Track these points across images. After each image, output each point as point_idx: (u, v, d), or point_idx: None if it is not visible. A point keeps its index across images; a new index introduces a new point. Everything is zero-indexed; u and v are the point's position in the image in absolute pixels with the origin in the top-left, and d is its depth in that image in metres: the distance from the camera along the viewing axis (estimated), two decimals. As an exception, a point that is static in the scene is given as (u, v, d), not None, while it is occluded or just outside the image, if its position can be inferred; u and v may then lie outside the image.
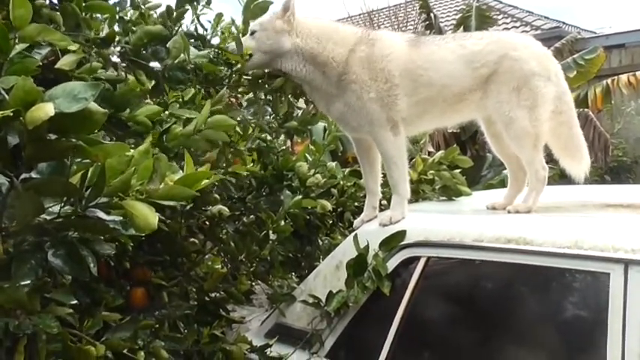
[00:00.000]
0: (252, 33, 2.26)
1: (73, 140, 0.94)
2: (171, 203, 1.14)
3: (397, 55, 2.25)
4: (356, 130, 2.34)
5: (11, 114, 0.89)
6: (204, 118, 1.59)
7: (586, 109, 7.04)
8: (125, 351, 1.44)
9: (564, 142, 2.38)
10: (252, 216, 2.61)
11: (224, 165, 2.28)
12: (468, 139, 6.36)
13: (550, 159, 2.37)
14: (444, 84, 2.24)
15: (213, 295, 2.41)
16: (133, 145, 1.44)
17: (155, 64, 1.90)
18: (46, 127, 0.89)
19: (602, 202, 2.21)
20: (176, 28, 2.26)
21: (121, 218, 1.10)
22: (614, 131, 8.56)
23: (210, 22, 2.83)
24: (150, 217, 1.05)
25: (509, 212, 2.13)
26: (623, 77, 7.42)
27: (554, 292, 1.75)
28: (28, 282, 1.05)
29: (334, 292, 2.10)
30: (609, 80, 7.44)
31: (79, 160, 1.06)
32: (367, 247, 2.07)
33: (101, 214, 1.07)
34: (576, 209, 2.14)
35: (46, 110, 0.87)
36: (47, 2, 1.88)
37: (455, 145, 3.16)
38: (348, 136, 2.50)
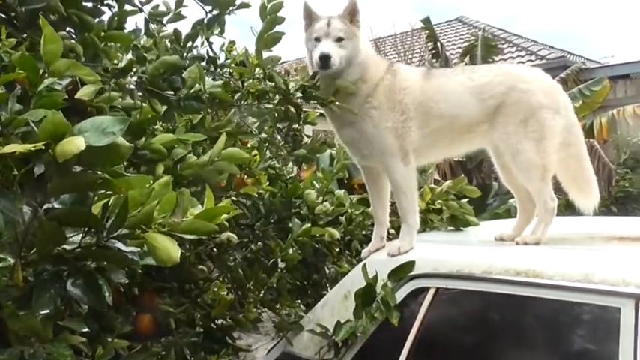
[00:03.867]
0: (339, 40, 2.20)
1: (99, 173, 0.97)
2: (192, 237, 1.16)
3: (413, 89, 2.28)
4: (366, 158, 2.35)
5: (43, 147, 0.91)
6: (219, 150, 1.62)
7: (591, 140, 7.06)
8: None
9: (573, 174, 2.39)
10: (260, 243, 2.62)
11: (234, 188, 2.31)
12: (474, 167, 6.38)
13: (556, 189, 2.38)
14: (454, 115, 2.27)
15: (220, 322, 2.41)
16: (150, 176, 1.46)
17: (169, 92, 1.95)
18: (75, 160, 0.91)
19: (609, 235, 2.21)
20: (186, 54, 2.31)
21: (139, 249, 1.11)
22: (620, 162, 8.57)
23: (222, 50, 2.91)
24: (172, 250, 1.07)
25: (517, 244, 2.14)
26: (629, 108, 7.46)
27: (564, 325, 1.74)
28: (47, 311, 1.06)
29: (342, 321, 2.09)
30: (615, 111, 7.48)
31: (101, 192, 1.08)
32: (376, 277, 2.07)
33: (121, 245, 1.09)
34: (584, 241, 2.14)
35: (77, 144, 0.89)
36: (66, 32, 1.94)
37: (463, 176, 3.18)
38: (355, 163, 2.51)
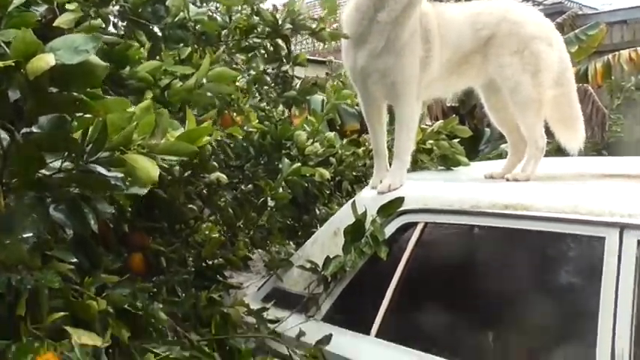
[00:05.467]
0: None
1: (75, 94, 0.94)
2: (173, 158, 1.14)
3: (431, 17, 2.23)
4: (384, 89, 2.23)
5: (13, 64, 0.88)
6: (205, 71, 1.58)
7: (585, 85, 7.02)
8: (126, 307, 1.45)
9: (562, 114, 2.39)
10: (250, 185, 2.62)
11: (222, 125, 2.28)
12: (466, 113, 6.35)
13: (547, 133, 2.38)
14: (457, 45, 2.24)
15: (211, 262, 2.43)
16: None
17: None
18: (48, 78, 0.89)
19: (598, 173, 2.22)
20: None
21: (122, 175, 1.10)
22: (614, 107, 8.55)
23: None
24: (151, 170, 1.06)
25: (507, 180, 2.14)
26: (625, 53, 7.37)
27: (551, 257, 1.77)
28: (30, 235, 1.06)
29: (331, 257, 2.12)
30: (610, 56, 7.39)
31: (80, 114, 1.06)
32: (365, 213, 2.08)
33: (102, 170, 1.07)
34: (573, 178, 2.15)
35: (47, 60, 0.86)
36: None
37: (454, 115, 3.16)
38: (359, 99, 2.40)
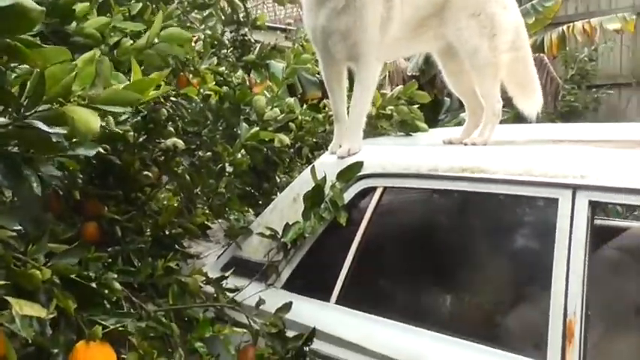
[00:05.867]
0: None
1: (8, 40, 0.87)
2: (117, 109, 1.07)
3: None
4: (344, 49, 2.19)
5: None
6: (157, 30, 1.50)
7: (541, 54, 7.13)
8: (75, 277, 1.39)
9: (519, 79, 2.41)
10: (208, 151, 2.56)
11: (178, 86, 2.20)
12: (427, 82, 6.36)
13: (505, 102, 2.40)
14: (417, 4, 2.21)
15: (168, 231, 2.38)
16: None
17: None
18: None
19: (553, 138, 2.26)
20: None
21: (64, 132, 1.04)
22: (568, 77, 8.73)
23: None
24: (92, 121, 0.99)
25: (465, 145, 2.16)
26: (578, 24, 7.48)
27: (507, 219, 1.80)
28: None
29: (291, 223, 2.10)
30: (565, 27, 7.51)
31: (15, 65, 0.98)
32: (324, 178, 2.06)
33: (42, 126, 1.00)
34: (529, 143, 2.18)
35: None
36: None
37: (414, 80, 3.15)
38: (320, 61, 2.35)
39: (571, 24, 7.54)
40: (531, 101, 2.41)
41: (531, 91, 2.41)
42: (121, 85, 1.11)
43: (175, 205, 2.46)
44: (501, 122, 2.36)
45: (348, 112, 2.36)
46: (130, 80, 1.26)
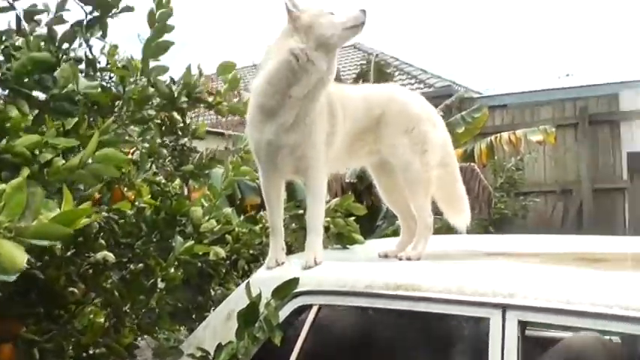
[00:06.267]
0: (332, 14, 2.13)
1: None
2: (45, 243, 1.03)
3: (335, 96, 2.30)
4: (292, 163, 2.24)
5: None
6: (92, 150, 1.49)
7: (472, 164, 7.53)
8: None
9: (448, 194, 2.51)
10: (140, 264, 2.47)
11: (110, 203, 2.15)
12: (364, 189, 6.52)
13: (436, 212, 2.48)
14: (354, 118, 2.33)
15: (92, 351, 2.22)
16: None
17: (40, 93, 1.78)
18: None
19: (483, 251, 2.33)
20: (62, 55, 2.13)
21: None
22: (497, 185, 9.21)
23: (103, 53, 2.73)
24: (17, 257, 0.94)
25: (400, 259, 2.18)
26: (505, 135, 8.03)
27: (443, 336, 1.80)
28: None
29: (224, 344, 2.01)
30: (492, 137, 8.03)
31: None
32: (259, 295, 2.01)
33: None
34: (460, 257, 2.23)
35: None
36: None
37: (350, 193, 3.23)
38: (262, 174, 2.36)
39: (498, 135, 8.09)
40: (461, 216, 2.51)
41: (460, 206, 2.51)
42: (50, 213, 1.07)
43: (102, 321, 2.32)
44: (435, 232, 2.41)
45: (301, 224, 2.38)
46: (59, 203, 1.22)
